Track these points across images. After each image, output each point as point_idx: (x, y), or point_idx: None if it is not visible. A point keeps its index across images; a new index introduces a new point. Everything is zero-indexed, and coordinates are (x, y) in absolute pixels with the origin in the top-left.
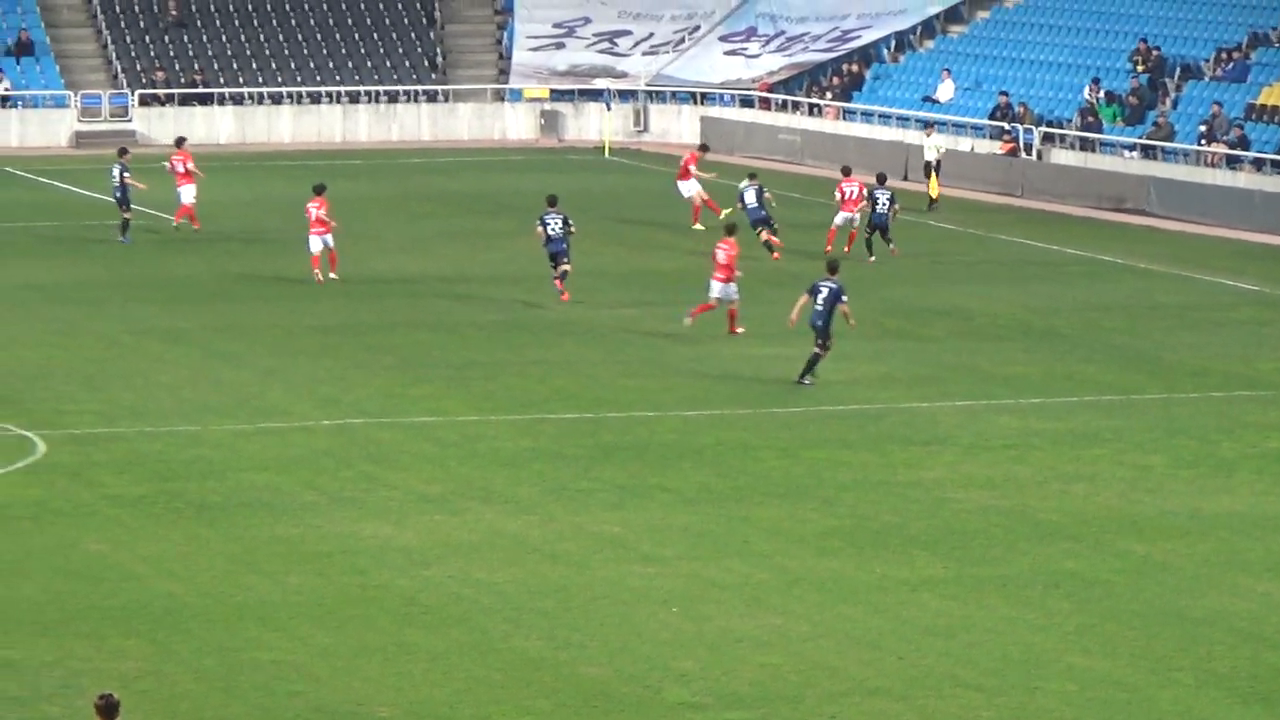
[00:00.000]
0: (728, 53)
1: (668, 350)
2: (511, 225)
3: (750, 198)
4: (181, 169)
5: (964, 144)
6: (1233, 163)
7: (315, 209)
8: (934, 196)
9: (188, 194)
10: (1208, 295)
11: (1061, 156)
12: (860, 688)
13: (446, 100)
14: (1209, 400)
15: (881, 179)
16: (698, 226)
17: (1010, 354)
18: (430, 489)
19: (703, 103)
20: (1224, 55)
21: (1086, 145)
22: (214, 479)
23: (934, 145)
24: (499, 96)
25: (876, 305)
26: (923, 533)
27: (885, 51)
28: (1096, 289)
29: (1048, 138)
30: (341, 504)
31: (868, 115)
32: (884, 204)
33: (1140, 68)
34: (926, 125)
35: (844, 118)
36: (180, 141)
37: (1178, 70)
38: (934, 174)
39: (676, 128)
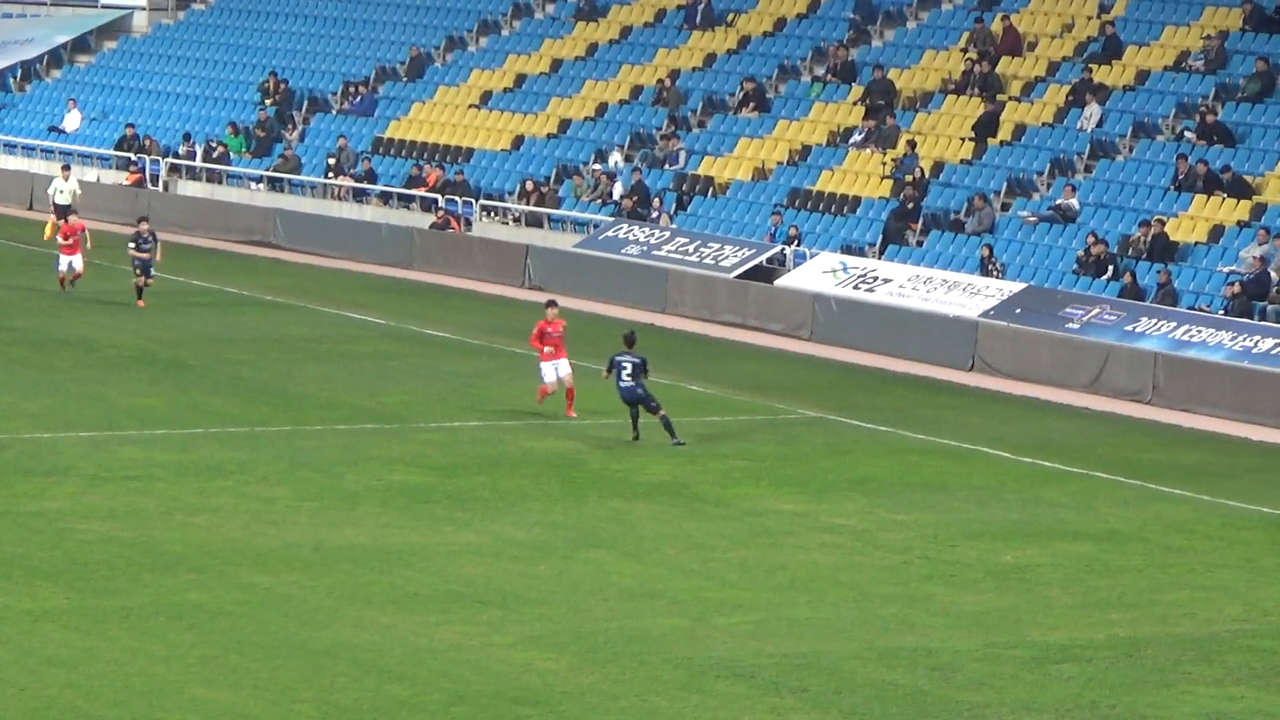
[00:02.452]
0: None
1: None
2: None
3: None
4: None
5: (90, 174)
6: (360, 196)
7: None
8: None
9: None
10: (334, 328)
11: (189, 188)
12: None
13: None
14: (334, 433)
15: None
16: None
17: (135, 385)
18: None
19: None
20: (351, 89)
21: (214, 177)
22: None
23: (69, 188)
24: None
25: (1, 336)
26: (45, 563)
27: (11, 81)
28: (223, 320)
29: (174, 169)
30: None
31: None
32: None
33: (269, 100)
34: (65, 166)
35: None
36: None
37: (305, 103)
38: (65, 216)
39: None
